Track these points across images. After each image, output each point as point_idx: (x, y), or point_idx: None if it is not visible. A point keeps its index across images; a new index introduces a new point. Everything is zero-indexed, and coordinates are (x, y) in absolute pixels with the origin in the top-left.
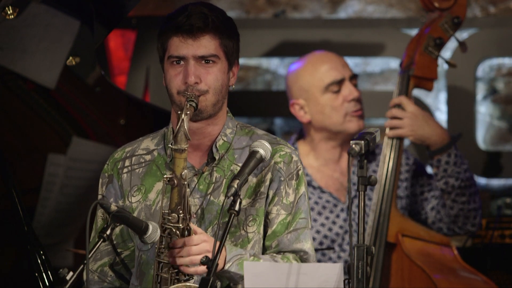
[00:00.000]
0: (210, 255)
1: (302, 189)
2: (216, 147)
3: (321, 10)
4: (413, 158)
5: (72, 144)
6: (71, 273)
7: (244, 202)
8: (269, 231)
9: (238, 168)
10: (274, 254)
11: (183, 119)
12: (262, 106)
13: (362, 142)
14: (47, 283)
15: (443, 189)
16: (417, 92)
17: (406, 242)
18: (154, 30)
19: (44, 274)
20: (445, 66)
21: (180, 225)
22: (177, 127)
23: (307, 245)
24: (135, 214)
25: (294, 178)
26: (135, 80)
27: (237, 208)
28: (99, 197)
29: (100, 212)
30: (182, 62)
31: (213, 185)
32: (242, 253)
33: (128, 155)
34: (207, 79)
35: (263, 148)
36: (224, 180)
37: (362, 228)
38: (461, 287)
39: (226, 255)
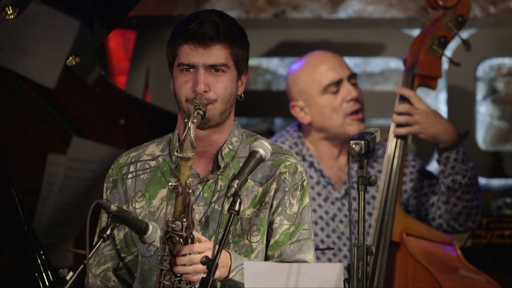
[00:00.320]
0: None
1: (306, 200)
2: (221, 155)
3: (321, 10)
4: (411, 154)
5: (72, 144)
6: (71, 273)
7: (248, 212)
8: (272, 241)
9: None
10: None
11: (189, 127)
12: (262, 106)
13: (362, 142)
14: (47, 283)
15: (449, 187)
16: (417, 92)
17: (410, 241)
18: (154, 30)
19: (44, 274)
20: (445, 66)
21: (184, 233)
22: (184, 135)
23: (310, 256)
24: None
25: (299, 189)
26: (135, 80)
27: (237, 208)
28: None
29: (104, 217)
30: (191, 70)
31: (218, 193)
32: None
33: (133, 160)
34: (216, 87)
35: (263, 148)
36: None
37: (362, 228)
38: (465, 287)
39: (231, 264)
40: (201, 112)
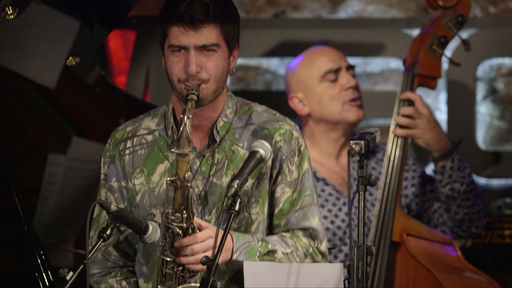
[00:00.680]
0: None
1: (306, 165)
2: (216, 129)
3: (321, 10)
4: (412, 158)
5: (72, 144)
6: (71, 273)
7: (247, 184)
8: (276, 210)
9: (240, 149)
10: (284, 234)
11: (185, 124)
12: None
13: (362, 142)
14: (47, 283)
15: (449, 195)
16: (417, 92)
17: (411, 241)
18: (154, 30)
19: (44, 274)
20: (445, 66)
21: (184, 224)
22: (180, 131)
23: (315, 222)
24: (138, 197)
25: (296, 155)
26: (135, 80)
27: (237, 208)
28: (102, 176)
29: (103, 192)
30: (182, 51)
31: (215, 166)
32: (250, 240)
33: (129, 135)
34: (208, 67)
35: (263, 148)
36: (226, 161)
37: (362, 228)
38: (466, 287)
39: (233, 246)
40: (195, 97)
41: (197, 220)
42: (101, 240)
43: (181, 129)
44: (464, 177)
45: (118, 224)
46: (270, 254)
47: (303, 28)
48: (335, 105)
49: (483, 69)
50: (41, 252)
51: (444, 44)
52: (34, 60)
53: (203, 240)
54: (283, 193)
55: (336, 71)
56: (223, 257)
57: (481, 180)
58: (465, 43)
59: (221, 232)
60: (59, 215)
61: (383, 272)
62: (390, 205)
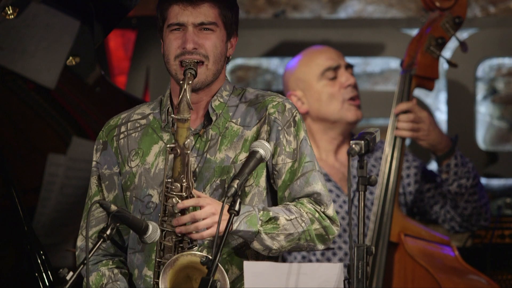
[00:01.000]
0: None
1: (302, 133)
2: (212, 107)
3: (321, 10)
4: (411, 155)
5: (72, 144)
6: (71, 273)
7: (241, 157)
8: (280, 182)
9: (233, 125)
10: (287, 203)
11: (185, 89)
12: None
13: (362, 142)
14: (47, 283)
15: (457, 192)
16: (417, 92)
17: (409, 241)
18: (154, 30)
19: (44, 274)
20: (445, 66)
21: (184, 193)
22: (180, 96)
23: (318, 186)
24: (136, 179)
25: (292, 125)
26: (135, 80)
27: (237, 208)
28: (94, 163)
29: (94, 179)
30: (181, 29)
31: (209, 142)
32: (250, 210)
33: (123, 121)
34: (205, 45)
35: (263, 148)
36: (220, 137)
37: (362, 227)
38: (464, 287)
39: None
40: (193, 72)
41: (195, 192)
42: (101, 240)
43: (180, 94)
44: (469, 172)
45: (118, 224)
46: (272, 222)
47: (303, 28)
48: (334, 103)
49: (483, 69)
50: (41, 252)
51: (441, 45)
52: (34, 60)
53: (205, 217)
54: (284, 164)
55: (335, 69)
56: (222, 227)
57: (481, 180)
58: (462, 44)
59: (220, 207)
60: (59, 215)
61: (381, 272)
62: (388, 205)
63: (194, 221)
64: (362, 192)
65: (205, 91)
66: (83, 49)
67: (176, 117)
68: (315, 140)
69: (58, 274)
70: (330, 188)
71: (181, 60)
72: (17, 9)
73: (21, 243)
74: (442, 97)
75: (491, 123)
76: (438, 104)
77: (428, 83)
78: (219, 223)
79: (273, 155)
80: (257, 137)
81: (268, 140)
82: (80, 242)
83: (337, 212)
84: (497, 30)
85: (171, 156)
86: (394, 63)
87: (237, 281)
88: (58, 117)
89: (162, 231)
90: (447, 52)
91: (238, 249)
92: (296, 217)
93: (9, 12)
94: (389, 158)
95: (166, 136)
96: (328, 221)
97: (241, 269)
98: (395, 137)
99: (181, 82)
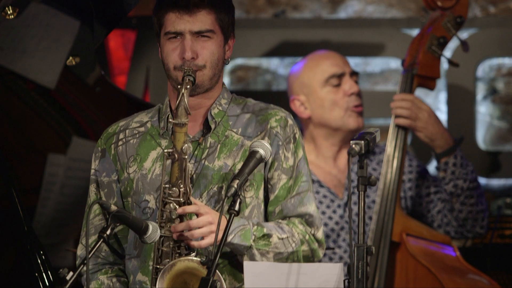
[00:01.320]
0: (214, 236)
1: (301, 152)
2: (211, 115)
3: (321, 10)
4: (416, 160)
5: (72, 144)
6: (71, 273)
7: (239, 166)
8: (272, 197)
9: (233, 134)
10: (280, 221)
11: (183, 94)
12: None
13: (362, 142)
14: (47, 283)
15: (452, 192)
16: (417, 92)
17: (410, 241)
18: (154, 30)
19: (44, 274)
20: (445, 66)
21: (181, 199)
22: (178, 101)
23: (312, 208)
24: (133, 185)
25: (292, 142)
26: (135, 80)
27: (237, 208)
28: (92, 171)
29: (93, 187)
30: (178, 37)
31: (207, 150)
32: (245, 224)
33: (122, 129)
34: (203, 53)
35: (263, 148)
36: (219, 145)
37: (362, 228)
38: (467, 287)
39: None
40: (191, 78)
41: (193, 199)
42: (101, 240)
43: (178, 99)
44: (467, 174)
45: (118, 224)
46: (265, 238)
47: (303, 28)
48: (337, 110)
49: (483, 69)
50: (41, 252)
51: (443, 45)
52: (34, 60)
53: (202, 225)
54: (279, 179)
55: (340, 76)
56: (219, 237)
57: (481, 180)
58: (463, 44)
59: (218, 217)
60: (59, 215)
61: (383, 272)
62: (390, 205)
63: (190, 229)
64: (362, 193)
65: (204, 97)
66: (83, 49)
67: (173, 121)
68: (316, 145)
69: (58, 274)
70: (324, 194)
71: (181, 69)
72: (17, 9)
73: (21, 243)
74: (442, 97)
75: (491, 123)
76: (438, 104)
77: (429, 82)
78: (216, 233)
79: (269, 169)
80: None
81: None
82: (80, 251)
83: (331, 218)
84: (497, 30)
85: (168, 161)
86: (394, 63)
87: None
88: (58, 117)
89: (159, 236)
90: (447, 52)
91: (231, 257)
92: (287, 237)
93: (9, 12)
94: (390, 158)
95: (164, 143)
96: (317, 244)
97: (234, 277)
98: (397, 137)
99: (178, 87)
